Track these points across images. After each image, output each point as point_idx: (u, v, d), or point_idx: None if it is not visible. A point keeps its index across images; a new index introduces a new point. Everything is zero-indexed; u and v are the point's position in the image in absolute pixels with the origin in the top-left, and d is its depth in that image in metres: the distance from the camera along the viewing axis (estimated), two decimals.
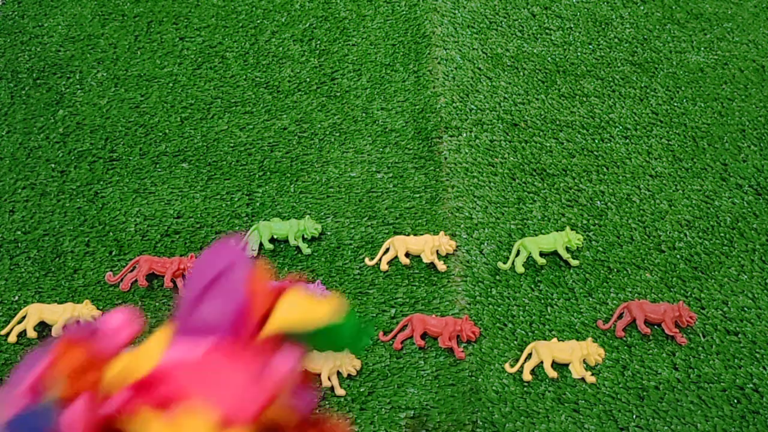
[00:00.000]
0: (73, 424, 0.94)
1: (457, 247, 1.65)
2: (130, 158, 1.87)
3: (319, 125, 1.94)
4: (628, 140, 1.92)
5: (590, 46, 2.16)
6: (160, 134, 1.93)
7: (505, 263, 1.62)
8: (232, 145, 1.90)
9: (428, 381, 1.44)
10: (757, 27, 2.28)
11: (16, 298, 1.60)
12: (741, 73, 2.13)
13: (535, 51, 2.13)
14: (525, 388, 1.43)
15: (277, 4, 2.31)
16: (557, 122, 1.94)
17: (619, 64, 2.12)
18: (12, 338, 1.51)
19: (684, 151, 1.91)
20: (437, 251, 1.63)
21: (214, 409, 0.93)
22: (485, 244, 1.66)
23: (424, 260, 1.62)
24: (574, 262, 1.63)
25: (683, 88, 2.07)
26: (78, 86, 2.07)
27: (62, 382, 0.96)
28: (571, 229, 1.68)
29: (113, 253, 1.67)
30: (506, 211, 1.73)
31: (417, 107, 1.97)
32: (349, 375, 1.44)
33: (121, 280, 1.61)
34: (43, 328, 1.53)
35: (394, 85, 2.04)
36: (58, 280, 1.62)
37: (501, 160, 1.84)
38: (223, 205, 1.77)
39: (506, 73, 2.05)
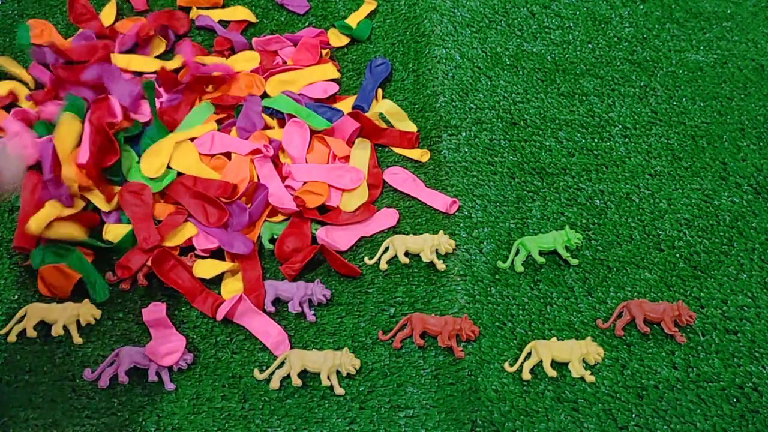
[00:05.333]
0: None
1: (456, 246, 1.65)
2: None
3: None
4: (627, 139, 1.92)
5: (589, 45, 2.16)
6: None
7: (504, 262, 1.63)
8: None
9: (428, 380, 1.44)
10: (756, 26, 2.28)
11: (16, 297, 1.60)
12: (740, 72, 2.13)
13: (534, 50, 2.13)
14: (524, 387, 1.43)
15: (275, 4, 2.31)
16: (556, 121, 1.94)
17: (618, 63, 2.12)
18: (11, 338, 1.51)
19: (683, 150, 1.91)
20: (436, 250, 1.63)
21: None
22: (484, 243, 1.66)
23: (424, 259, 1.62)
24: (574, 261, 1.63)
25: (682, 87, 2.07)
26: None
27: None
28: (571, 228, 1.68)
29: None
30: (505, 210, 1.73)
31: (416, 106, 1.97)
32: (348, 374, 1.44)
33: (121, 279, 1.61)
34: (42, 327, 1.54)
35: (394, 84, 2.04)
36: None
37: (500, 159, 1.84)
38: None
39: (505, 72, 2.05)
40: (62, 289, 1.56)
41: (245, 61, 2.07)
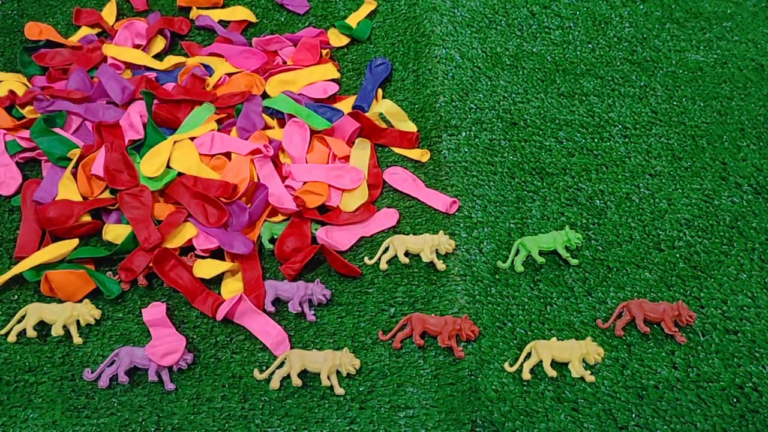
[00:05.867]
0: None
1: (456, 246, 1.65)
2: None
3: None
4: (627, 139, 1.92)
5: (589, 45, 2.16)
6: None
7: (504, 262, 1.63)
8: None
9: (427, 380, 1.44)
10: (756, 26, 2.28)
11: (16, 297, 1.60)
12: (740, 72, 2.13)
13: (534, 50, 2.13)
14: (524, 387, 1.43)
15: (275, 4, 2.31)
16: (556, 121, 1.94)
17: (618, 63, 2.12)
18: (11, 338, 1.51)
19: (683, 150, 1.91)
20: (436, 250, 1.63)
21: None
22: (484, 243, 1.66)
23: (424, 259, 1.62)
24: (574, 261, 1.63)
25: (682, 87, 2.07)
26: None
27: None
28: (571, 228, 1.68)
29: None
30: (505, 210, 1.73)
31: (416, 106, 1.97)
32: (348, 374, 1.44)
33: (121, 279, 1.61)
34: (42, 327, 1.54)
35: (394, 84, 2.04)
36: None
37: (500, 159, 1.84)
38: None
39: (505, 72, 2.05)
40: (74, 294, 1.56)
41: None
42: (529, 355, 1.46)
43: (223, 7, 2.31)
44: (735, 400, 1.42)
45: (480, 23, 2.18)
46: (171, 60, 2.08)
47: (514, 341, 1.50)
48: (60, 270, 1.57)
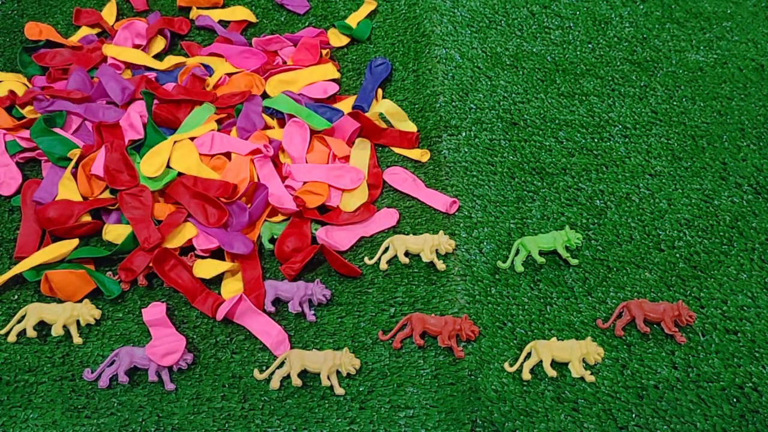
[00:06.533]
0: None
1: (456, 246, 1.65)
2: None
3: None
4: (627, 139, 1.92)
5: (589, 45, 2.16)
6: None
7: (504, 262, 1.63)
8: None
9: (427, 380, 1.44)
10: (756, 26, 2.28)
11: (16, 297, 1.60)
12: (740, 72, 2.13)
13: (534, 50, 2.13)
14: (524, 387, 1.43)
15: (275, 4, 2.32)
16: (556, 121, 1.94)
17: (618, 63, 2.12)
18: (11, 338, 1.51)
19: (683, 150, 1.91)
20: (437, 250, 1.63)
21: None
22: (484, 243, 1.66)
23: (424, 259, 1.62)
24: (574, 261, 1.63)
25: (682, 87, 2.07)
26: None
27: None
28: (571, 228, 1.68)
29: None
30: (505, 210, 1.73)
31: (416, 106, 1.97)
32: (348, 374, 1.44)
33: (121, 279, 1.61)
34: (42, 327, 1.54)
35: (394, 84, 2.04)
36: None
37: (500, 159, 1.84)
38: None
39: (505, 72, 2.05)
40: (74, 294, 1.56)
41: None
42: (529, 355, 1.46)
43: (223, 7, 2.31)
44: (735, 400, 1.42)
45: (480, 23, 2.18)
46: (171, 60, 2.08)
47: (514, 341, 1.50)
48: (60, 270, 1.57)
